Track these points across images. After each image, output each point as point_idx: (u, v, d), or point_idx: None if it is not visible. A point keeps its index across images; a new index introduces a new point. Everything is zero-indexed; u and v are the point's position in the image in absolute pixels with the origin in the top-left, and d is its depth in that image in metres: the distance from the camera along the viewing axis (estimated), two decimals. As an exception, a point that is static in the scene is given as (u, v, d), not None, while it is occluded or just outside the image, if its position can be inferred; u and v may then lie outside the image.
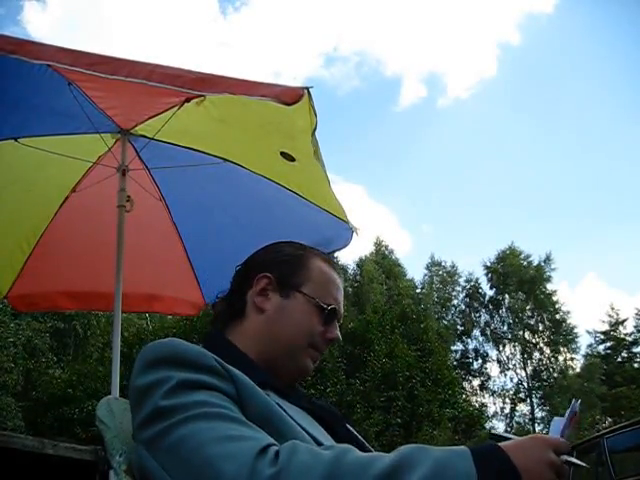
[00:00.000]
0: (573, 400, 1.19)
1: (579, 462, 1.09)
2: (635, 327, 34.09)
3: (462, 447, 0.99)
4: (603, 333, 35.64)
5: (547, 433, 1.18)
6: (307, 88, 2.80)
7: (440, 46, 60.01)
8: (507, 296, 40.16)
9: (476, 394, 37.78)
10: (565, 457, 1.05)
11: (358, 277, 37.55)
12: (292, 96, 2.75)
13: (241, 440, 0.99)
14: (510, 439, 1.05)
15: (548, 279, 39.73)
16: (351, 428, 1.40)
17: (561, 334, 38.51)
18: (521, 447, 1.00)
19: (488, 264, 40.64)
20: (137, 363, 1.16)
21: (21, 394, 21.55)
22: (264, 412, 1.11)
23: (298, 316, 1.36)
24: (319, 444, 1.10)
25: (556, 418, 1.25)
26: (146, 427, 1.08)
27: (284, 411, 1.15)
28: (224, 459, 0.96)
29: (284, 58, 60.26)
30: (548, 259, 39.74)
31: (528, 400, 38.45)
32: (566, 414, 1.18)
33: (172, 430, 1.03)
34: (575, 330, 38.66)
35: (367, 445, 1.36)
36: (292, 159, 3.48)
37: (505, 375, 39.23)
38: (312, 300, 1.37)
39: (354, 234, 3.93)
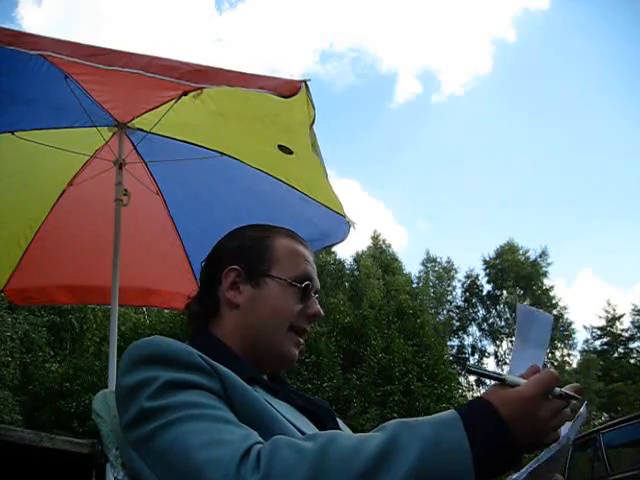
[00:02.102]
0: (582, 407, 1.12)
1: (574, 394, 1.02)
2: (632, 323, 34.20)
3: (452, 416, 0.95)
4: (600, 329, 35.75)
5: None
6: (305, 81, 2.80)
7: (435, 42, 60.23)
8: (505, 291, 40.24)
9: (472, 389, 37.84)
10: (559, 391, 0.99)
11: (355, 272, 37.57)
12: (290, 88, 2.75)
13: (226, 444, 0.97)
14: (495, 375, 1.01)
15: (545, 274, 39.88)
16: (342, 424, 1.39)
17: (558, 329, 38.58)
18: (515, 405, 0.96)
19: (487, 259, 40.74)
20: (123, 362, 1.15)
21: (18, 388, 21.50)
22: (252, 409, 1.10)
23: (273, 301, 1.31)
24: None
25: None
26: (133, 428, 1.07)
27: (272, 407, 1.14)
28: (209, 466, 0.94)
29: (280, 54, 60.09)
30: (544, 254, 39.90)
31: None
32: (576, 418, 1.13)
33: (159, 434, 1.02)
34: (572, 326, 38.82)
35: None
36: (290, 152, 3.47)
37: (502, 370, 39.25)
38: (284, 281, 1.32)
39: (351, 228, 3.93)
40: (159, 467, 1.01)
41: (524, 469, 1.04)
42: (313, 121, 2.95)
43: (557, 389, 0.99)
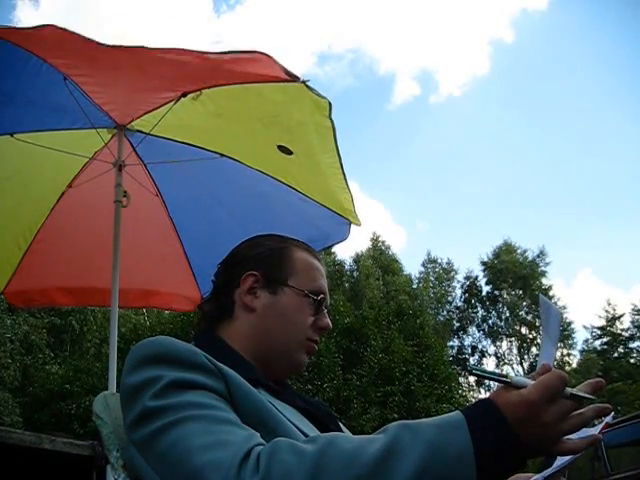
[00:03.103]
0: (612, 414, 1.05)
1: (584, 394, 0.95)
2: (632, 322, 34.20)
3: (457, 418, 0.93)
4: (600, 328, 35.72)
5: None
6: (304, 81, 2.81)
7: (433, 44, 60.13)
8: (504, 292, 40.21)
9: (473, 389, 37.83)
10: (568, 392, 0.93)
11: (355, 273, 37.58)
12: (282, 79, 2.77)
13: (227, 446, 0.97)
14: (500, 377, 0.96)
15: (543, 274, 39.83)
16: (343, 427, 1.39)
17: (557, 329, 38.52)
18: (518, 409, 0.92)
19: (485, 259, 40.71)
20: (128, 361, 1.15)
21: (18, 390, 21.52)
22: (256, 410, 1.10)
23: (290, 311, 1.36)
24: None
25: None
26: (136, 428, 1.07)
27: (276, 409, 1.14)
28: (209, 468, 0.94)
29: (278, 56, 59.14)
30: (542, 253, 39.84)
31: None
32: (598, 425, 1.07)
33: (161, 434, 1.02)
34: (572, 326, 38.76)
35: None
36: (289, 152, 3.48)
37: (502, 370, 39.05)
38: (301, 292, 1.37)
39: (350, 228, 3.94)
40: (161, 467, 1.01)
41: (540, 475, 1.02)
42: (330, 110, 2.98)
43: (567, 389, 0.93)
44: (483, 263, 40.76)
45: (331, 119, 3.11)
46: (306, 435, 1.12)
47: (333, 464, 0.91)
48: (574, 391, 0.94)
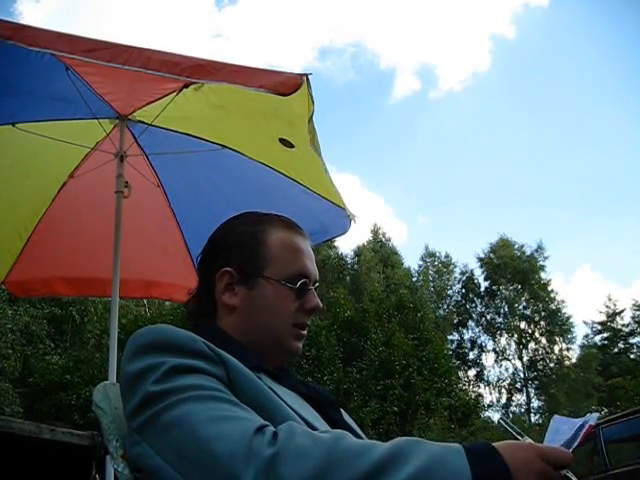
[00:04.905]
0: (589, 414, 1.07)
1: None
2: (632, 318, 34.22)
3: (456, 445, 0.96)
4: (600, 324, 35.76)
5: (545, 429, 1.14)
6: (306, 75, 2.79)
7: (434, 38, 59.81)
8: (502, 287, 40.13)
9: (471, 383, 37.86)
10: (564, 472, 0.98)
11: (356, 266, 37.60)
12: (290, 86, 2.73)
13: (236, 420, 0.98)
14: (516, 433, 1.03)
15: (542, 268, 39.73)
16: (345, 413, 1.40)
17: (557, 324, 38.55)
18: (516, 449, 0.96)
19: (482, 255, 40.59)
20: (127, 349, 1.15)
21: (19, 380, 21.54)
22: (256, 396, 1.10)
23: (270, 303, 1.32)
24: (312, 428, 1.08)
25: (557, 417, 1.21)
26: (138, 414, 1.06)
27: (277, 395, 1.14)
28: (218, 439, 0.94)
29: (279, 50, 59.51)
30: (540, 248, 39.72)
31: (524, 390, 38.58)
32: (576, 424, 1.11)
33: (164, 413, 1.01)
34: (571, 320, 38.75)
35: (359, 432, 1.34)
36: (291, 145, 3.47)
37: (501, 365, 39.33)
38: (278, 282, 1.32)
39: (352, 222, 3.93)
40: (164, 446, 1.01)
41: None
42: (312, 115, 2.94)
43: (562, 470, 0.97)
44: (479, 259, 40.66)
45: (312, 127, 3.07)
46: (307, 421, 1.13)
47: (345, 453, 0.93)
48: (569, 474, 0.98)
